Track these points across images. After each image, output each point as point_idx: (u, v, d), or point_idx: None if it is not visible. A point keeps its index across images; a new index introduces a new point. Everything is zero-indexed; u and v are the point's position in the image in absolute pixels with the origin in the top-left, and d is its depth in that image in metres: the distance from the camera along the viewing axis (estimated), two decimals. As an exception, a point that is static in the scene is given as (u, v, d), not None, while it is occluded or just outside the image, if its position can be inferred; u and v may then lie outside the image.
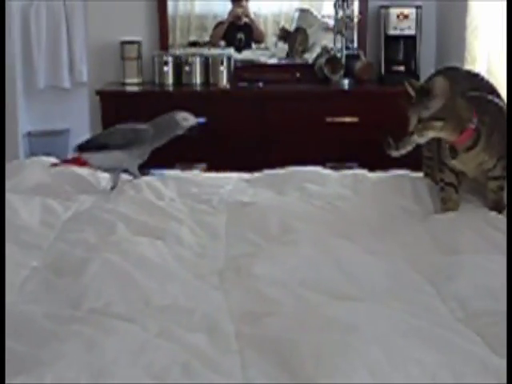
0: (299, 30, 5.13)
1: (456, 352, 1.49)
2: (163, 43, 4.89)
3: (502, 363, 1.49)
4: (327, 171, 2.98)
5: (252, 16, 5.15)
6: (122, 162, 2.79)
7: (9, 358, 1.49)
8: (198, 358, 1.53)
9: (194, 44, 5.16)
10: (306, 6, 5.26)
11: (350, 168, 3.28)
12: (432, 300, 1.82)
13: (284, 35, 5.13)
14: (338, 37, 4.87)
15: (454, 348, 1.51)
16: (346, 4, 4.84)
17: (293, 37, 5.12)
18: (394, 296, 1.82)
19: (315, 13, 5.23)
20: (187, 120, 2.87)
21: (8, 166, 2.98)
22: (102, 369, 1.45)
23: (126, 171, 2.85)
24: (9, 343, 1.54)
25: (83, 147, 2.82)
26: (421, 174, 2.85)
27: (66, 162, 2.89)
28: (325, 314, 1.65)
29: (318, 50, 5.04)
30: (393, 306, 1.74)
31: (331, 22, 4.99)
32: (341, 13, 4.85)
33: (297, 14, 5.27)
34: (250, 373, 1.49)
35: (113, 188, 2.77)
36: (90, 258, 1.95)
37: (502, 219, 2.37)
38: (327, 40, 5.06)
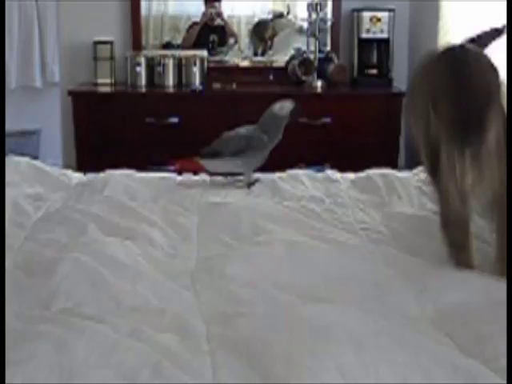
0: (265, 24, 5.14)
1: (426, 353, 1.50)
2: (136, 44, 4.88)
3: (472, 364, 1.49)
4: (300, 172, 2.98)
5: (225, 17, 5.15)
6: (237, 168, 2.84)
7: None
8: (169, 358, 1.52)
9: (167, 45, 5.15)
10: (279, 8, 5.27)
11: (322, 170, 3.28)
12: (404, 299, 1.83)
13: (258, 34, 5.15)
14: (312, 39, 4.88)
15: (424, 349, 1.51)
16: (319, 7, 4.86)
17: (260, 31, 5.14)
18: (365, 297, 1.82)
19: (288, 15, 5.24)
20: (283, 107, 2.86)
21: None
22: (72, 369, 1.44)
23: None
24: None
25: (201, 154, 2.88)
26: (391, 171, 2.88)
27: (183, 165, 2.93)
28: (296, 315, 1.65)
29: (291, 52, 5.05)
30: (364, 307, 1.74)
31: (305, 25, 5.00)
32: (314, 15, 4.87)
33: (270, 17, 5.28)
34: (221, 374, 1.48)
35: (249, 185, 2.81)
36: (61, 258, 1.94)
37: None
38: (300, 42, 5.07)
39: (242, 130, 2.87)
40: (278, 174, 2.93)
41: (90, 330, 1.59)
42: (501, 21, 2.47)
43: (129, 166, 3.10)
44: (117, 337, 1.58)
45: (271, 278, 1.91)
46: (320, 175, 3.01)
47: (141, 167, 3.18)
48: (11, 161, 2.92)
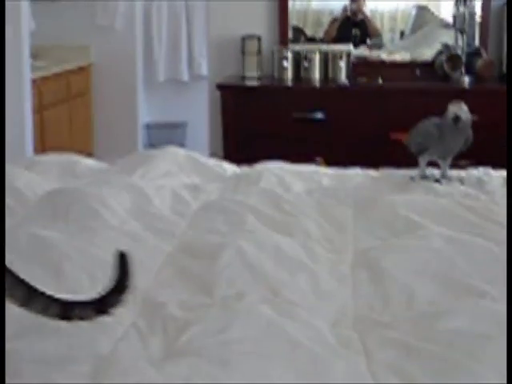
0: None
1: None
2: (283, 38, 4.93)
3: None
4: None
5: (367, 12, 5.15)
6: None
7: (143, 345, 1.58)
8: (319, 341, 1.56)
9: (309, 39, 5.19)
10: (423, 2, 5.21)
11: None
12: None
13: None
14: (459, 34, 4.81)
15: None
16: (467, 1, 4.78)
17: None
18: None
19: (433, 10, 5.19)
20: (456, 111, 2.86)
21: (137, 155, 3.09)
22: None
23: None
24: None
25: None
26: None
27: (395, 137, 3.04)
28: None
29: (437, 47, 4.99)
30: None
31: (450, 19, 4.94)
32: (461, 9, 4.79)
33: (414, 11, 5.24)
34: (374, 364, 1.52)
35: (422, 177, 2.85)
36: (224, 245, 1.99)
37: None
38: (446, 37, 5.00)
39: (423, 127, 2.90)
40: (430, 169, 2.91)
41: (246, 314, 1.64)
42: None
43: (275, 158, 3.14)
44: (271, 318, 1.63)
45: (430, 270, 1.91)
46: (470, 173, 2.99)
47: (286, 160, 3.21)
48: (169, 151, 3.01)
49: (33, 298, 1.48)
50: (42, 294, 1.49)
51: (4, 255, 1.71)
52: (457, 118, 2.84)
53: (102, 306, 1.52)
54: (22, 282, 1.48)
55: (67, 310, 1.50)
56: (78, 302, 1.53)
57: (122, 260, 1.56)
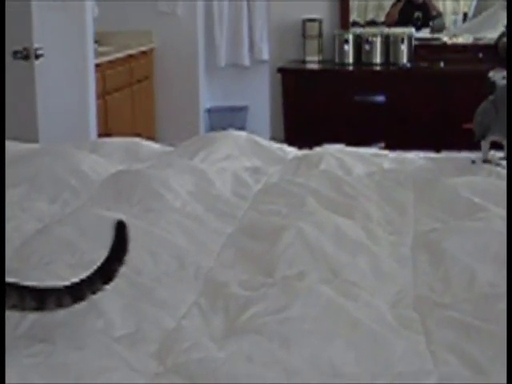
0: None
1: None
2: (344, 22, 4.92)
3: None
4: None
5: (429, -6, 5.12)
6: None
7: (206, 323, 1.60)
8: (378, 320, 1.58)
9: (371, 23, 5.17)
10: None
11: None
12: None
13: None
14: (523, 16, 4.74)
15: None
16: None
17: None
18: None
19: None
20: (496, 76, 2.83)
21: (199, 139, 3.12)
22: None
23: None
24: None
25: None
26: None
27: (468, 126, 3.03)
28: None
29: (501, 29, 4.93)
30: None
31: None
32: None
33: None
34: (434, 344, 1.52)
35: (485, 161, 2.83)
36: (285, 227, 2.01)
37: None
38: (511, 19, 4.94)
39: (480, 107, 2.86)
40: (493, 152, 2.88)
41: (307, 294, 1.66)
42: None
43: (335, 141, 3.14)
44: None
45: (491, 252, 1.91)
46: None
47: (346, 144, 3.22)
48: (230, 135, 3.04)
49: None
50: None
51: (4, 255, 1.75)
52: (492, 83, 2.79)
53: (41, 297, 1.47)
54: None
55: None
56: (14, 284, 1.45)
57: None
